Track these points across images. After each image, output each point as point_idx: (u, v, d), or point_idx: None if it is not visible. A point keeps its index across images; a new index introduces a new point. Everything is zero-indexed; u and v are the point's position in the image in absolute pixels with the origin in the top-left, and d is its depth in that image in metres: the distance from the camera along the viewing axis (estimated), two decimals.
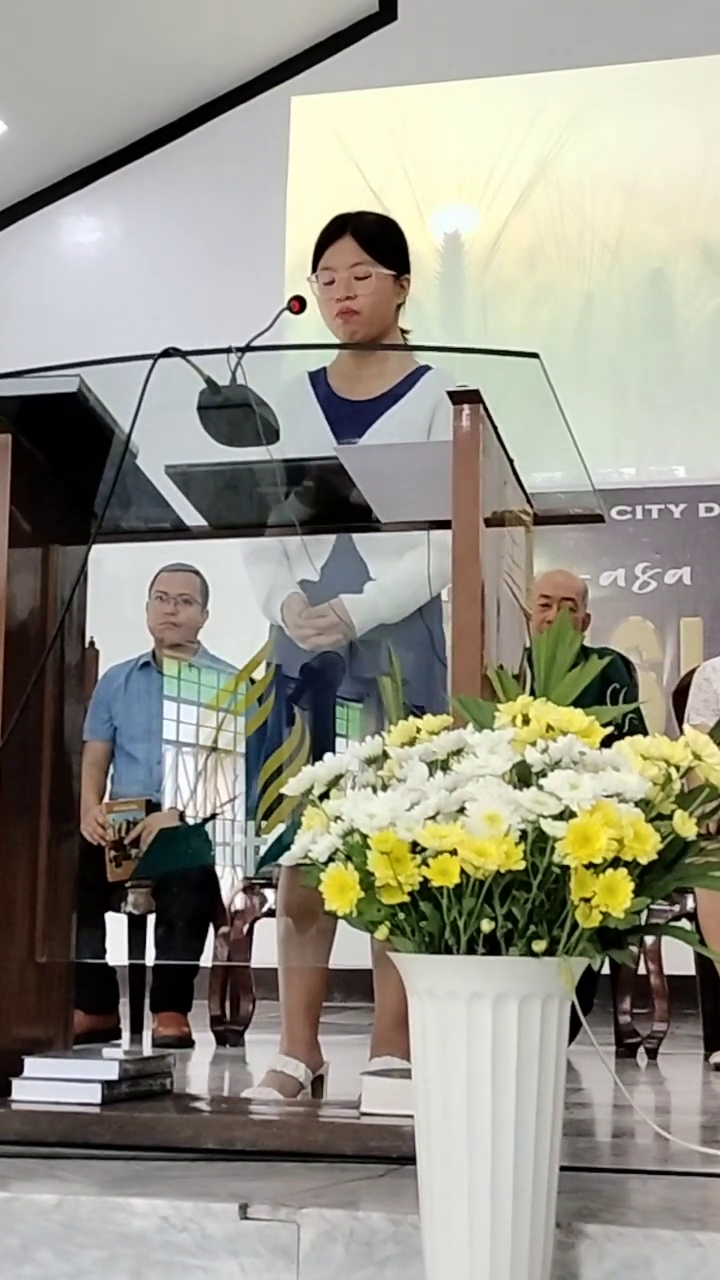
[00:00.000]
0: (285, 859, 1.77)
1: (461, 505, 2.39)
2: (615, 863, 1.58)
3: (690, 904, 4.37)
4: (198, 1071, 4.08)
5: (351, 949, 2.90)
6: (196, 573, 5.11)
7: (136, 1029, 4.91)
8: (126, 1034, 4.86)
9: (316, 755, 2.42)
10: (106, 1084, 2.45)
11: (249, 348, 2.60)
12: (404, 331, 3.26)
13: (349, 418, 3.10)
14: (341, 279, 3.13)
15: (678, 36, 7.38)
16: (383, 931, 1.65)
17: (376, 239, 3.18)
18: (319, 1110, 2.71)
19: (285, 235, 7.59)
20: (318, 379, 3.20)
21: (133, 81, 7.84)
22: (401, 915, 1.63)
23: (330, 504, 2.88)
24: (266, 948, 3.27)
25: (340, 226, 3.18)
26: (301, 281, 3.21)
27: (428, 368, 3.14)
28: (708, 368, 7.37)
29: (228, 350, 2.59)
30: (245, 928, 4.73)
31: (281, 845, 3.04)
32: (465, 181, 7.78)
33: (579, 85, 7.61)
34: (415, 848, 1.60)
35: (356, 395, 3.16)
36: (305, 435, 2.82)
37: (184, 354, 2.57)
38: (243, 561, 3.19)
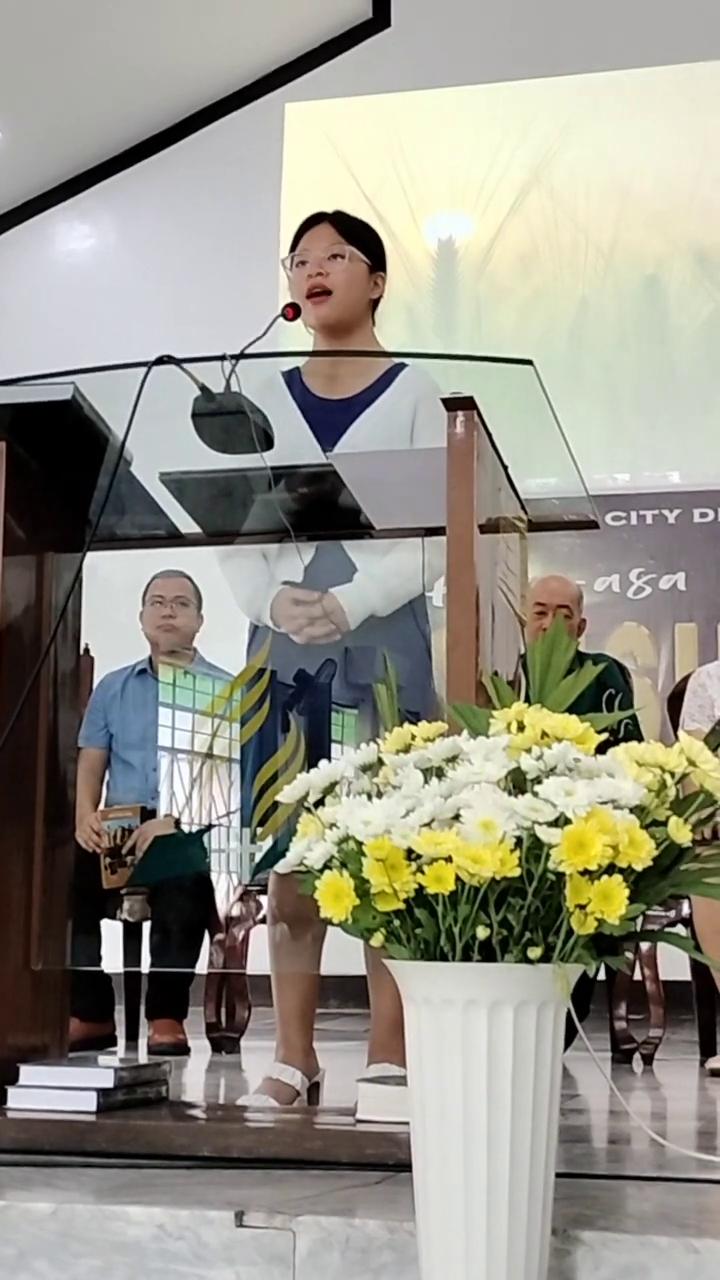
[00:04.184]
0: (280, 866, 1.76)
1: (456, 512, 2.39)
2: (610, 869, 1.58)
3: (686, 910, 4.37)
4: (193, 1079, 4.07)
5: (346, 955, 2.90)
6: (189, 578, 5.11)
7: (132, 1036, 4.91)
8: (122, 1041, 4.86)
9: (311, 762, 2.42)
10: (102, 1092, 2.44)
11: (243, 355, 2.61)
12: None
13: (328, 418, 3.09)
14: (314, 259, 3.15)
15: (670, 43, 7.40)
16: (378, 939, 1.65)
17: (354, 229, 3.22)
18: (315, 1117, 2.71)
19: (279, 242, 7.57)
20: (292, 379, 3.19)
21: (127, 88, 7.85)
22: (397, 922, 1.63)
23: (324, 509, 2.88)
24: (262, 954, 3.26)
25: (319, 216, 3.23)
26: None
27: (403, 364, 3.15)
28: (701, 373, 7.38)
29: (222, 358, 2.60)
30: (241, 934, 4.73)
31: (276, 852, 3.04)
32: (459, 187, 7.79)
33: (572, 91, 7.62)
34: (410, 855, 1.60)
35: (334, 394, 3.16)
36: (285, 436, 2.82)
37: (178, 361, 2.57)
38: (219, 561, 3.19)
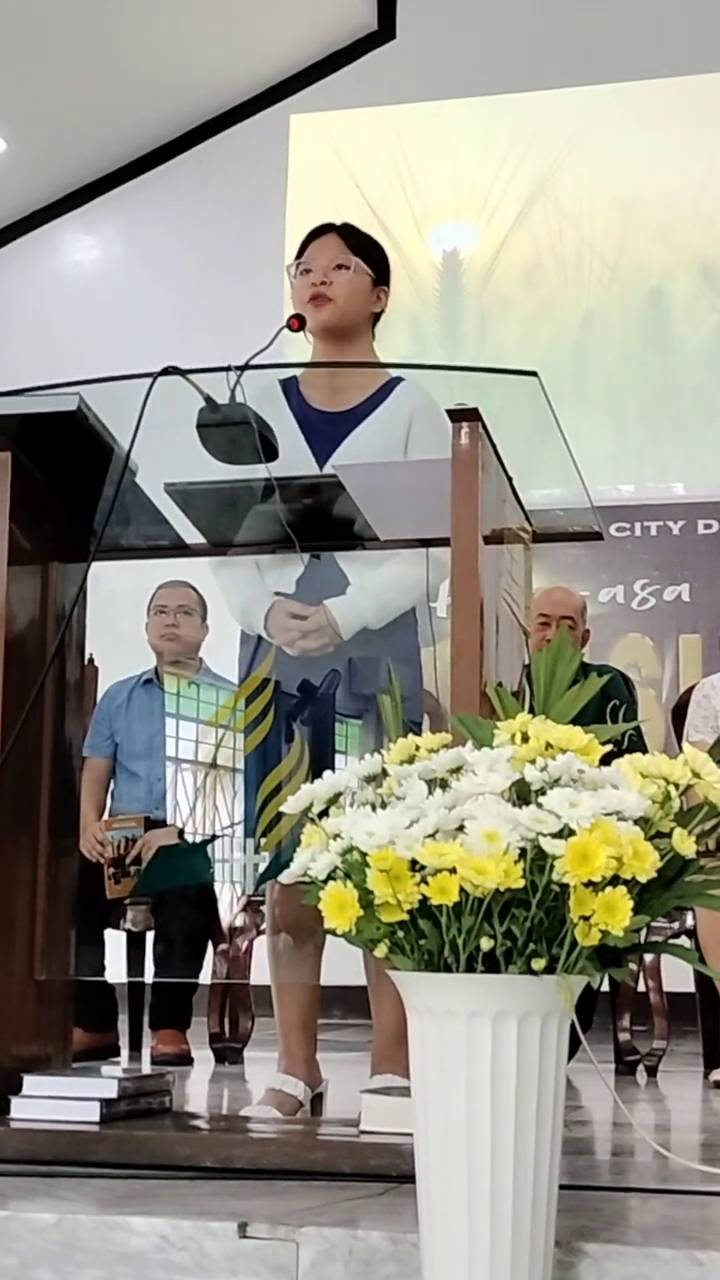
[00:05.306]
0: (284, 877, 1.77)
1: (460, 523, 2.39)
2: (614, 881, 1.58)
3: (690, 921, 4.36)
4: (196, 1089, 4.07)
5: (349, 966, 2.90)
6: (194, 588, 5.12)
7: (135, 1046, 4.91)
8: (125, 1052, 4.86)
9: (315, 772, 2.42)
10: (105, 1102, 2.44)
11: (248, 366, 2.61)
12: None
13: (324, 430, 3.09)
14: (319, 267, 3.16)
15: (674, 55, 7.41)
16: (382, 950, 1.65)
17: (360, 242, 3.23)
18: (318, 1128, 2.71)
19: (284, 253, 7.58)
20: (289, 389, 3.18)
21: (132, 99, 7.87)
22: (401, 933, 1.63)
23: (320, 521, 2.88)
24: (266, 965, 3.26)
25: (326, 227, 3.24)
26: None
27: (400, 379, 3.15)
28: (706, 385, 7.39)
29: (226, 369, 2.60)
30: (244, 944, 4.73)
31: (280, 863, 3.04)
32: (464, 199, 7.81)
33: (576, 103, 7.63)
34: (414, 866, 1.60)
35: (331, 406, 3.15)
36: (281, 447, 2.82)
37: (183, 372, 2.57)
38: (212, 571, 3.19)
